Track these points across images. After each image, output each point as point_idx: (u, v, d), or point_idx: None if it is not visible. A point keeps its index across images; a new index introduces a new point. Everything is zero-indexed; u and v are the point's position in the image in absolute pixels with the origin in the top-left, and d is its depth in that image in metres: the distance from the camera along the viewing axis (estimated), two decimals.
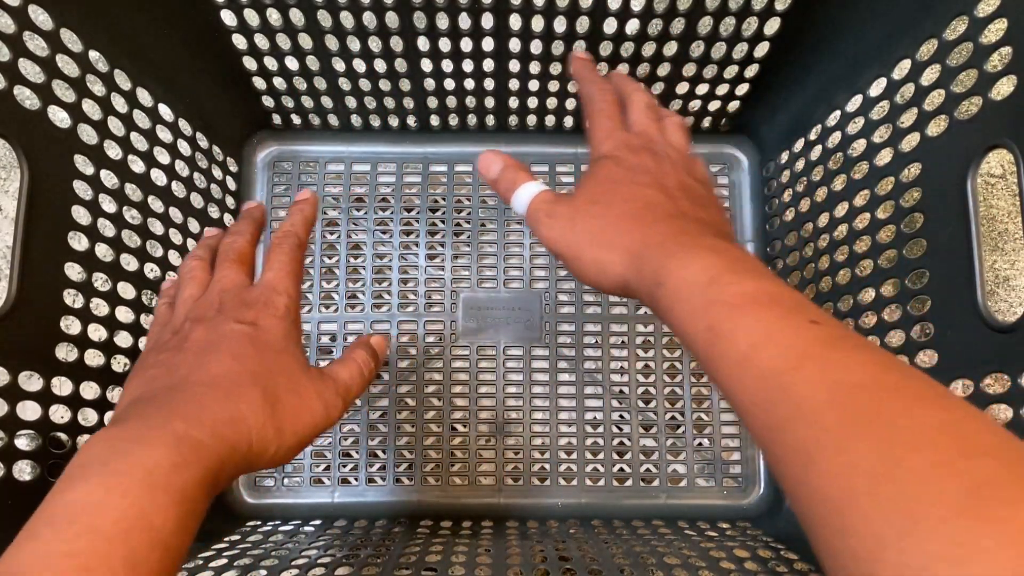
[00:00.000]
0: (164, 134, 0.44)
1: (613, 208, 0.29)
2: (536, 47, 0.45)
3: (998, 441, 0.16)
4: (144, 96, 0.42)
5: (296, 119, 0.53)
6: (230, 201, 0.52)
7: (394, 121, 0.53)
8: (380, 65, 0.47)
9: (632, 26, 0.43)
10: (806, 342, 0.20)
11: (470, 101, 0.51)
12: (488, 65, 0.47)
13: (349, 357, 0.32)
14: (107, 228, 0.38)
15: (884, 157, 0.40)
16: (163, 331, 0.31)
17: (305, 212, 0.35)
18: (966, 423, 0.17)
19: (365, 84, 0.49)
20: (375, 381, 0.51)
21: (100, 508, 0.20)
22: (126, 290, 0.40)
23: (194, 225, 0.47)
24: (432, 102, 0.51)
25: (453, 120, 0.53)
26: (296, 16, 0.43)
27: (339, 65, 0.47)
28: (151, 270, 0.42)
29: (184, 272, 0.33)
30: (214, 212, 0.49)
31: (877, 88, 0.41)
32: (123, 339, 0.39)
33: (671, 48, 0.45)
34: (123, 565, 0.19)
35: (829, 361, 0.19)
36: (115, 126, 0.39)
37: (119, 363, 0.39)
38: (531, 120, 0.53)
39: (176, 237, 0.45)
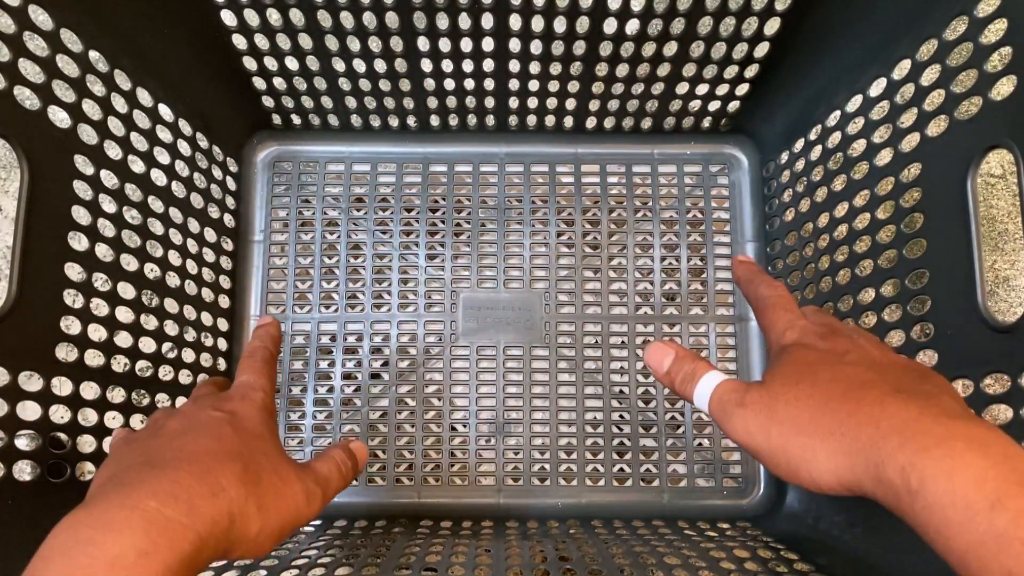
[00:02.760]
0: (164, 134, 0.44)
1: (819, 387, 0.25)
2: (536, 47, 0.45)
3: None
4: (144, 96, 0.42)
5: (296, 119, 0.53)
6: (230, 201, 0.52)
7: (394, 121, 0.53)
8: (380, 65, 0.47)
9: (632, 26, 0.43)
10: None
11: (470, 101, 0.51)
12: (488, 65, 0.47)
13: (327, 455, 0.32)
14: (107, 228, 0.38)
15: (884, 157, 0.40)
16: (133, 431, 0.31)
17: (270, 331, 0.36)
18: None
19: (365, 84, 0.49)
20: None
21: None
22: (126, 290, 0.40)
23: (194, 225, 0.47)
24: (432, 102, 0.51)
25: (453, 120, 0.53)
26: (296, 16, 0.43)
27: (339, 65, 0.47)
28: (151, 270, 0.42)
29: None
30: (214, 212, 0.49)
31: (877, 88, 0.41)
32: (123, 339, 0.39)
33: (671, 48, 0.45)
34: None
35: None
36: (115, 126, 0.39)
37: (119, 363, 0.39)
38: (531, 120, 0.53)
39: (176, 237, 0.44)
